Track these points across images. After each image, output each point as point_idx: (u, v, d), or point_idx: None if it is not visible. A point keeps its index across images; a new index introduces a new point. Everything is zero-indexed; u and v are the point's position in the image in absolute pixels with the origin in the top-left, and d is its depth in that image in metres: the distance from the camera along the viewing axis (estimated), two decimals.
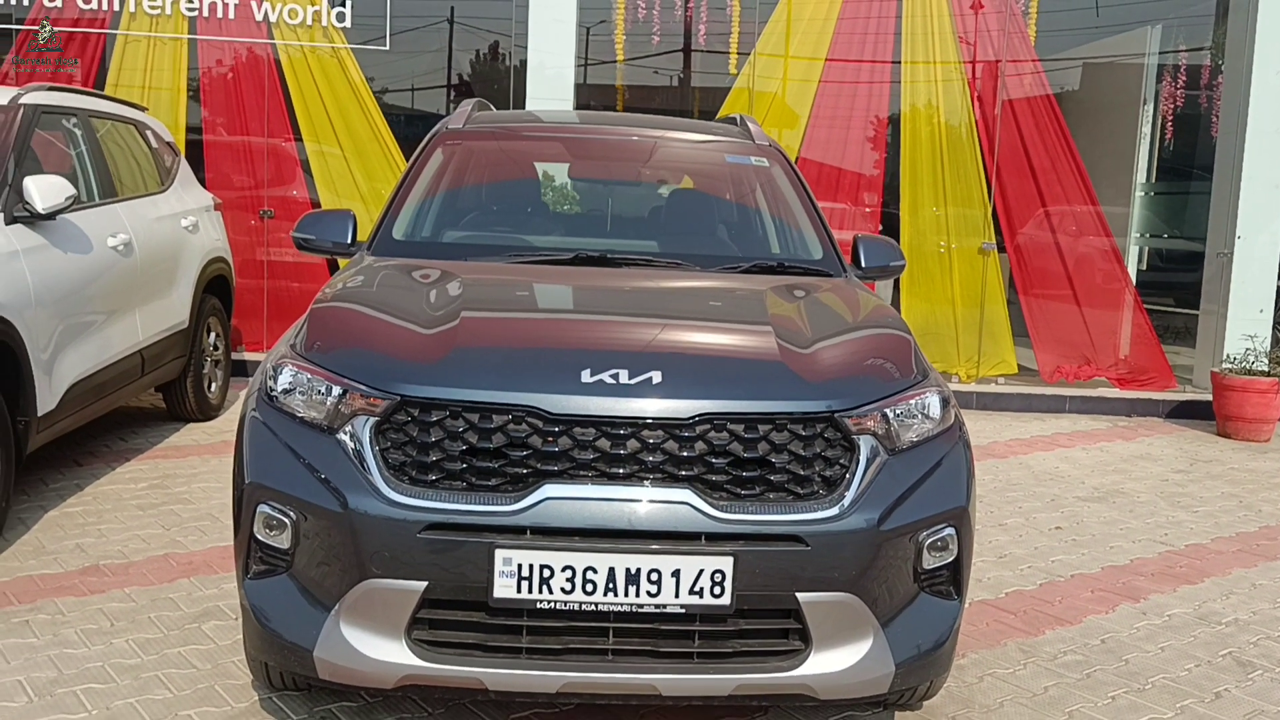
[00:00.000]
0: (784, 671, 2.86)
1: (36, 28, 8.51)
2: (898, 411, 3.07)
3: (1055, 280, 9.26)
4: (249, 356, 8.45)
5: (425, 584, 2.77)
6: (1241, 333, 8.74)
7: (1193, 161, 11.49)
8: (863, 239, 4.31)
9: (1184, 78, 11.04)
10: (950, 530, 3.05)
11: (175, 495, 5.48)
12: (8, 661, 3.62)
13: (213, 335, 7.15)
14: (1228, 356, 8.59)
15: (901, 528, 2.93)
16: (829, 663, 2.88)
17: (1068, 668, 3.98)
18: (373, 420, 2.88)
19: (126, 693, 3.44)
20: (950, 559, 3.07)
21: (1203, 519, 6.03)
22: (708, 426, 2.86)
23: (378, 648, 2.81)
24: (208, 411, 7.01)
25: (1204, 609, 4.64)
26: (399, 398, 2.87)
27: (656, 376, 2.90)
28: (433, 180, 4.41)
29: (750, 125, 4.88)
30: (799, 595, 2.83)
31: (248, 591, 2.99)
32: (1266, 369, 8.22)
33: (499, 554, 2.74)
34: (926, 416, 3.14)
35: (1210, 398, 8.52)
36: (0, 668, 3.58)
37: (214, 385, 7.15)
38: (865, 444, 2.97)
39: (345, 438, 2.89)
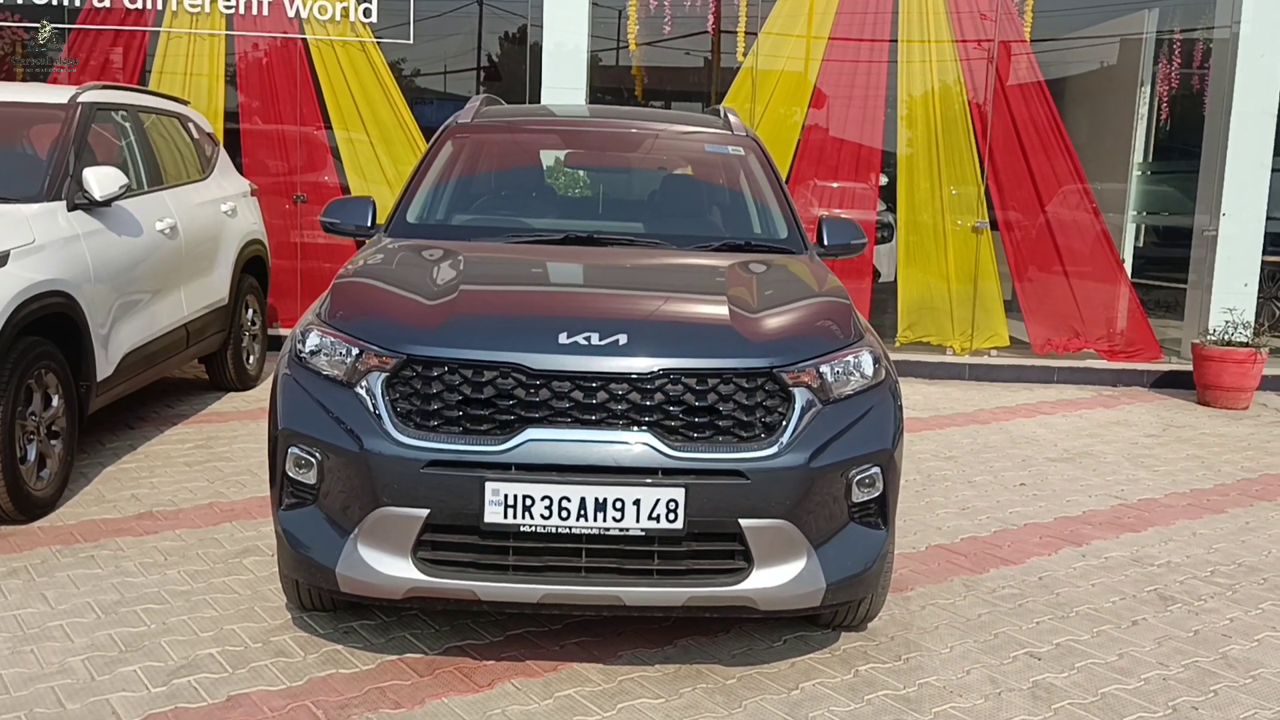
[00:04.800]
0: (729, 586, 3.42)
1: (38, 25, 9.13)
2: (834, 368, 3.60)
3: (1046, 256, 9.70)
4: (284, 332, 9.05)
5: (427, 511, 3.34)
6: (1224, 306, 9.16)
7: (1189, 140, 11.84)
8: (826, 219, 4.82)
9: (1180, 58, 11.39)
10: (876, 470, 3.58)
11: (218, 454, 6.08)
12: (77, 588, 4.23)
13: (250, 311, 7.75)
14: (1210, 329, 9.00)
15: (830, 466, 3.46)
16: (768, 579, 3.43)
17: (1003, 599, 4.49)
18: (384, 376, 3.44)
19: (179, 611, 4.04)
20: (876, 494, 3.60)
21: (1161, 477, 6.50)
22: (666, 380, 3.41)
23: (389, 565, 3.39)
24: (246, 382, 7.63)
25: (1140, 553, 5.13)
26: (406, 356, 3.43)
27: (623, 339, 3.45)
28: (443, 169, 4.96)
29: (730, 117, 5.40)
30: (741, 521, 3.37)
31: (281, 520, 3.57)
32: (1245, 340, 8.64)
33: (489, 486, 3.30)
34: (860, 374, 3.66)
35: (1192, 368, 8.94)
36: (71, 592, 4.18)
37: (251, 358, 7.76)
38: (800, 395, 3.50)
39: (361, 391, 3.46)
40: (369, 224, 4.70)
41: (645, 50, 11.26)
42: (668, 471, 3.34)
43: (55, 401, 5.06)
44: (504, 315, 3.68)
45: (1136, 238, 11.99)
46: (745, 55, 9.60)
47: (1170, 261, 12.17)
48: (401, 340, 3.47)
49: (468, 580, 3.38)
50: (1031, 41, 9.58)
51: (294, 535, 3.53)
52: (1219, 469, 6.75)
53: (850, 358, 3.66)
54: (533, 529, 3.32)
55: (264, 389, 7.70)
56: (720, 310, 3.69)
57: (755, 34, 9.54)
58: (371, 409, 3.42)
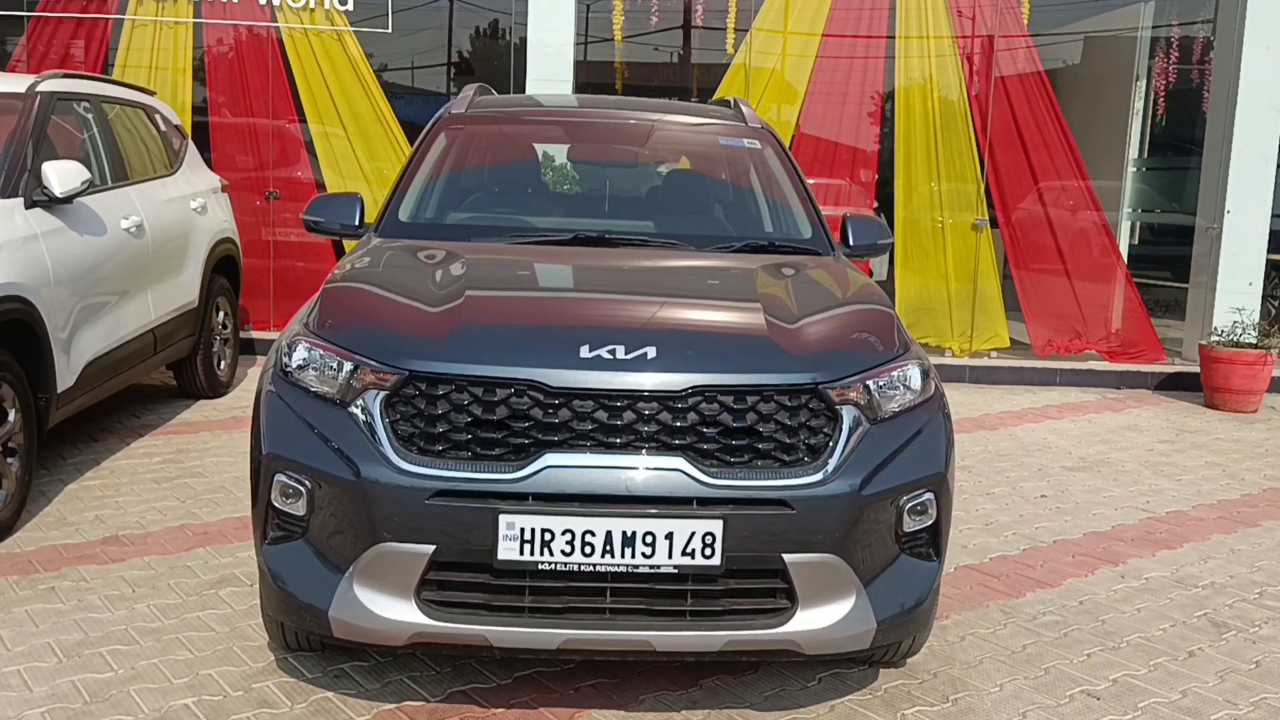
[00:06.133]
0: (771, 628, 3.05)
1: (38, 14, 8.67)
2: (880, 383, 3.25)
3: (1047, 255, 9.41)
4: (256, 335, 8.63)
5: (433, 547, 2.96)
6: (1230, 305, 8.90)
7: (1185, 136, 11.62)
8: (851, 218, 4.48)
9: (1177, 53, 11.16)
10: (929, 495, 3.23)
11: (188, 469, 5.66)
12: (37, 625, 3.81)
13: (221, 314, 7.31)
14: (1216, 329, 8.75)
15: (882, 493, 3.11)
16: (814, 620, 3.07)
17: (1046, 627, 4.17)
18: (383, 394, 3.06)
19: (150, 654, 3.64)
20: (929, 522, 3.25)
21: (1185, 487, 6.21)
22: (699, 398, 3.04)
23: (389, 607, 3.00)
24: (217, 389, 7.19)
25: (1182, 573, 4.83)
26: (407, 372, 3.04)
27: (651, 351, 3.07)
28: (437, 164, 4.57)
29: (743, 108, 5.04)
30: (785, 556, 3.01)
31: (265, 556, 3.18)
32: (1254, 341, 8.39)
33: (503, 519, 2.92)
34: (907, 388, 3.31)
35: (1198, 370, 8.68)
36: (30, 630, 3.77)
37: (223, 363, 7.33)
38: (848, 414, 3.14)
39: (357, 411, 3.07)
40: (356, 223, 4.31)
41: (630, 46, 10.91)
42: (703, 501, 2.98)
43: (11, 416, 4.63)
44: (517, 325, 3.30)
45: (1132, 235, 11.75)
46: (735, 51, 9.27)
47: (1167, 260, 11.95)
48: (402, 353, 3.09)
49: (479, 624, 3.00)
50: (1029, 35, 9.30)
51: (280, 573, 3.14)
52: (1242, 478, 6.47)
53: (898, 371, 3.31)
54: (552, 567, 2.95)
55: (236, 396, 7.27)
56: (756, 319, 3.33)
57: (745, 30, 9.22)
58: (368, 432, 3.03)
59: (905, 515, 3.19)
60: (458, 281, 3.47)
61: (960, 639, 4.03)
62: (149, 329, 6.06)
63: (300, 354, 3.24)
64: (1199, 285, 9.46)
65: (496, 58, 10.53)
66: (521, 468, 2.96)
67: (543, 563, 2.94)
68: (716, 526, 2.95)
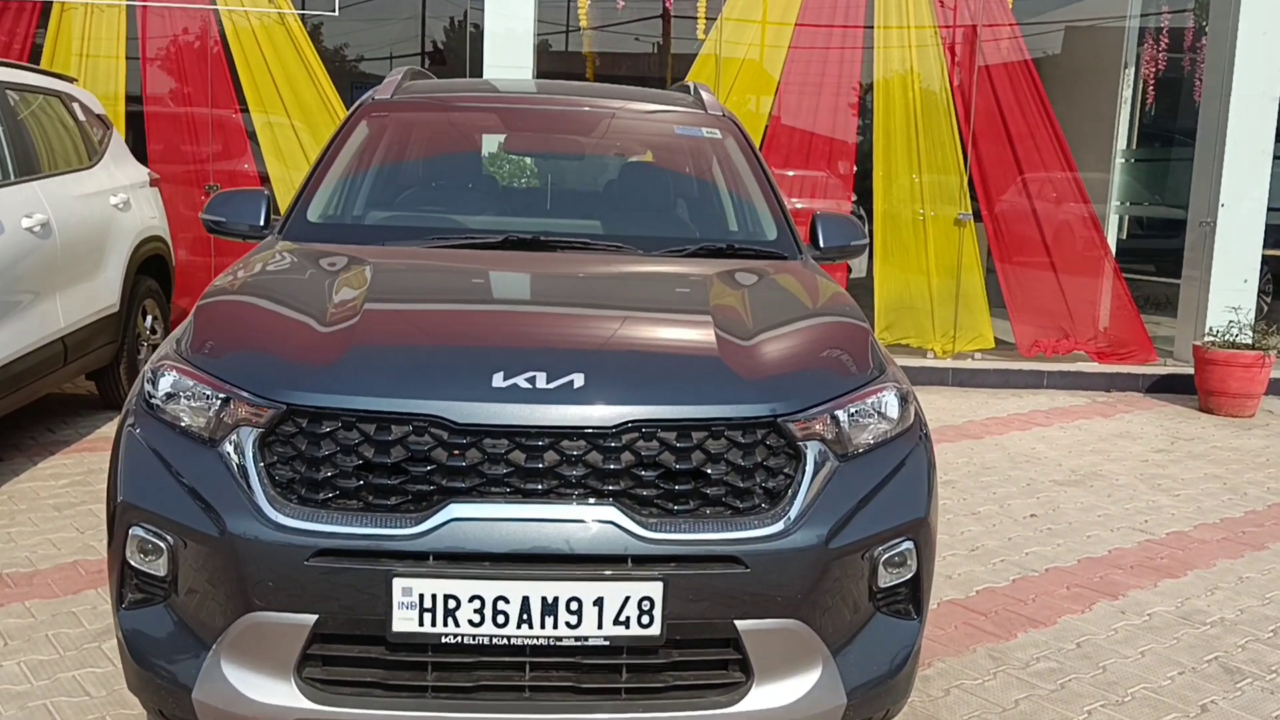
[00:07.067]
0: (723, 707, 2.56)
1: None
2: (851, 412, 2.76)
3: (1033, 250, 8.96)
4: None
5: (316, 617, 2.45)
6: (1224, 303, 8.48)
7: (1175, 126, 11.20)
8: (821, 217, 3.99)
9: (1166, 40, 10.73)
10: (909, 544, 2.75)
11: (96, 493, 5.14)
12: None
13: (150, 319, 6.79)
14: (1211, 329, 8.31)
15: (853, 544, 2.62)
16: (773, 696, 2.58)
17: (1040, 676, 3.70)
18: (257, 432, 2.55)
19: None
20: (909, 575, 2.77)
21: (1184, 503, 5.76)
22: (635, 435, 2.55)
23: (264, 689, 2.49)
24: None
25: (1187, 606, 4.37)
26: (284, 406, 2.54)
27: (579, 379, 2.58)
28: (355, 157, 4.05)
29: (703, 94, 4.54)
30: (738, 623, 2.52)
31: (122, 622, 2.68)
32: (1251, 342, 7.95)
33: (398, 583, 2.42)
34: (883, 416, 2.82)
35: (1192, 371, 8.25)
36: None
37: None
38: (812, 450, 2.65)
39: (228, 451, 2.57)
40: (263, 222, 3.79)
41: (596, 35, 10.40)
42: (640, 559, 2.48)
43: None
44: (418, 347, 2.79)
45: (1119, 229, 11.32)
46: (705, 39, 8.77)
47: (1156, 255, 11.55)
48: (279, 384, 2.58)
49: (372, 708, 2.49)
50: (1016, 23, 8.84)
51: (138, 644, 2.63)
52: (1244, 491, 6.02)
53: (872, 398, 2.82)
54: (459, 639, 2.45)
55: None
56: (704, 336, 2.83)
57: (714, 19, 8.73)
58: (239, 477, 2.53)
59: (880, 568, 2.70)
60: (359, 294, 2.95)
61: (945, 693, 3.56)
62: (57, 337, 5.53)
63: (167, 382, 2.73)
64: (1191, 281, 9.02)
65: (453, 42, 9.99)
66: (421, 521, 2.46)
67: (447, 635, 2.44)
68: (655, 589, 2.46)
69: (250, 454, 2.54)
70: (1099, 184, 10.34)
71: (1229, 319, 8.16)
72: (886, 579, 2.72)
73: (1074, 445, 6.89)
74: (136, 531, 2.60)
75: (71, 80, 6.75)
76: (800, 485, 2.61)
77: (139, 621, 2.64)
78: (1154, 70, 10.74)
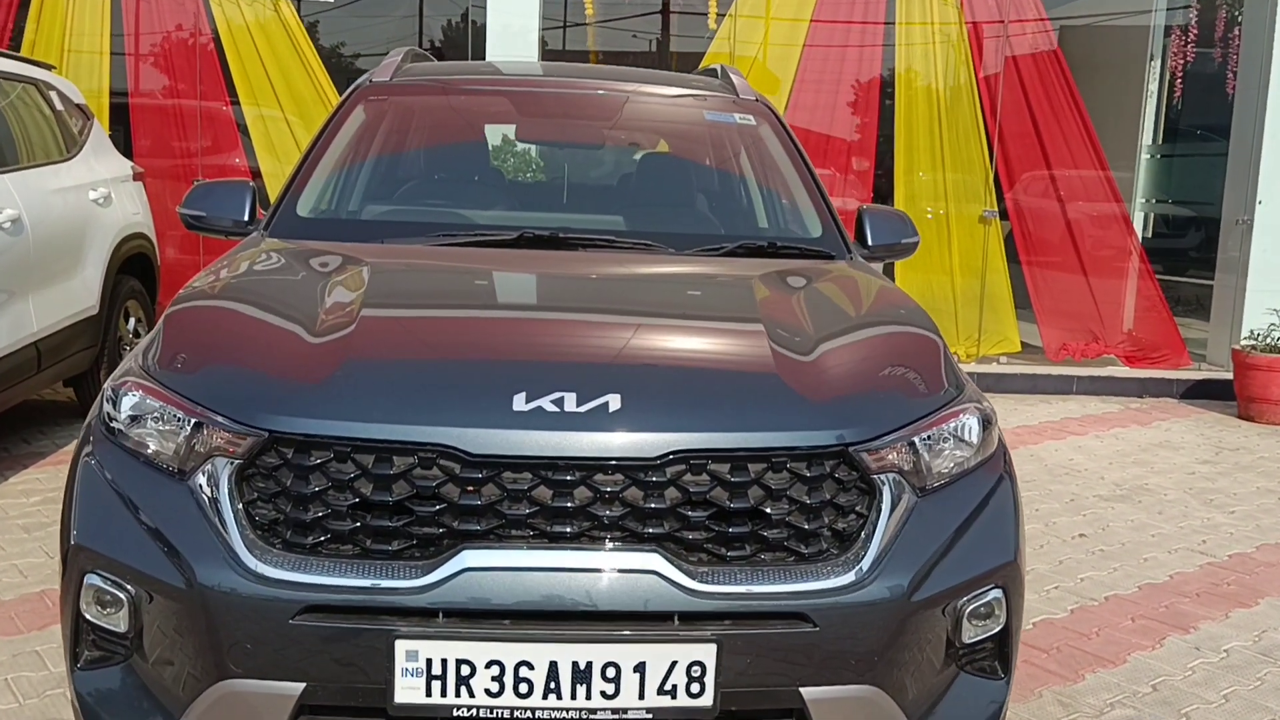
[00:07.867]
0: None
1: None
2: (928, 438, 2.36)
3: (1061, 249, 8.56)
4: None
5: (303, 686, 2.06)
6: (1264, 305, 8.06)
7: (1203, 122, 10.81)
8: (868, 211, 3.59)
9: (1195, 32, 10.32)
10: (997, 593, 2.35)
11: None
12: None
13: (133, 321, 6.38)
14: (1251, 333, 7.91)
15: (938, 595, 2.23)
16: None
17: None
18: (234, 464, 2.15)
19: None
20: (997, 629, 2.38)
21: (1242, 521, 5.37)
22: (682, 468, 2.15)
23: None
24: None
25: (1265, 640, 3.98)
26: (266, 433, 2.14)
27: (614, 401, 2.18)
28: (351, 145, 3.65)
29: (734, 77, 4.13)
30: (804, 691, 2.13)
31: (76, 683, 2.28)
32: None
33: (401, 645, 2.03)
34: (964, 442, 2.43)
35: (1229, 376, 7.87)
36: None
37: None
38: (889, 484, 2.26)
39: (201, 485, 2.17)
40: (248, 218, 3.38)
41: (599, 31, 10.00)
42: (688, 617, 2.09)
43: None
44: (424, 361, 2.38)
45: (1145, 227, 10.92)
46: (715, 33, 8.38)
47: (1185, 254, 11.16)
48: (260, 406, 2.17)
49: None
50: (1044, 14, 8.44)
51: (93, 709, 2.24)
52: None
53: (952, 422, 2.43)
54: (474, 713, 2.06)
55: None
56: (758, 350, 2.43)
57: (724, 14, 8.34)
58: (213, 517, 2.13)
59: (965, 621, 2.31)
60: (354, 299, 2.55)
61: None
62: (30, 342, 5.13)
63: (129, 403, 2.33)
64: (1226, 284, 8.62)
65: (456, 37, 9.59)
66: (428, 571, 2.07)
67: (459, 708, 2.05)
68: (707, 652, 2.06)
69: (226, 490, 2.14)
70: (1123, 181, 9.93)
71: (1269, 321, 7.76)
72: (972, 633, 2.33)
73: (1114, 456, 6.50)
74: (93, 580, 2.21)
75: (50, 67, 6.35)
76: (876, 526, 2.22)
77: (97, 682, 2.25)
78: (1181, 63, 10.33)
